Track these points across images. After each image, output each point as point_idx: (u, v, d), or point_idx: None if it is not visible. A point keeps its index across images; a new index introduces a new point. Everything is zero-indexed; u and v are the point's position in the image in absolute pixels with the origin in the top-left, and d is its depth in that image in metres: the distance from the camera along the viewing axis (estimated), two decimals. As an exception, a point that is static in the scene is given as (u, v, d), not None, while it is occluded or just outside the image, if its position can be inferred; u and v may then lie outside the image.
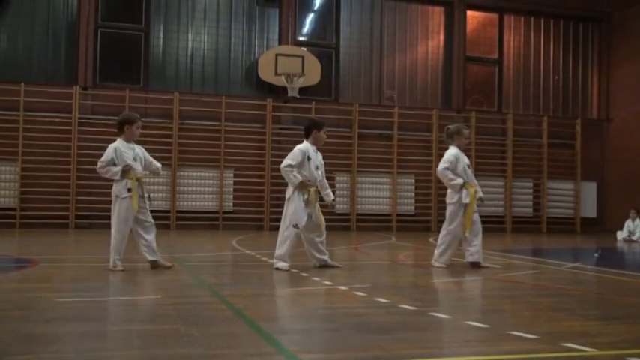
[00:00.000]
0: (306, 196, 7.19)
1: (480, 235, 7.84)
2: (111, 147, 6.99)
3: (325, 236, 7.56)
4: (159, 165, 7.40)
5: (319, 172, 7.39)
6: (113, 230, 6.89)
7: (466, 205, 7.68)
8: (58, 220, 15.12)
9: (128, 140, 7.03)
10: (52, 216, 15.08)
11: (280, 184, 15.33)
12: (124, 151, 6.97)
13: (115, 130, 7.18)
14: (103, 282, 6.09)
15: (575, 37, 20.35)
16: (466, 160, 7.89)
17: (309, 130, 7.47)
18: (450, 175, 7.67)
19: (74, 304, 4.79)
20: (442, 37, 19.00)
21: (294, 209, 7.13)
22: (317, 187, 7.36)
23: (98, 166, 6.96)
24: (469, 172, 7.83)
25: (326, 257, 7.43)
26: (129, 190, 6.91)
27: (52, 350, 3.33)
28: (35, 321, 4.02)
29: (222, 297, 5.20)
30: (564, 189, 19.50)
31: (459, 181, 7.67)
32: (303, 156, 7.25)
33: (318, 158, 7.42)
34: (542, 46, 19.95)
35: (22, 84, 15.23)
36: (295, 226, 7.08)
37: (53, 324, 3.99)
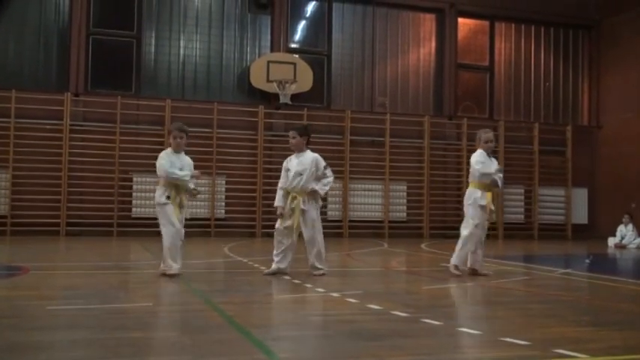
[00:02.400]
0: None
1: (483, 243, 7.84)
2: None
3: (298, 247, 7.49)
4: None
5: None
6: None
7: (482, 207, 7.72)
8: (49, 228, 15.03)
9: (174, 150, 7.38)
10: (43, 223, 15.00)
11: (272, 191, 15.30)
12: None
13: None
14: (94, 289, 6.06)
15: (565, 45, 20.48)
16: (495, 165, 7.94)
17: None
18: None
19: (65, 312, 4.76)
20: (434, 44, 19.06)
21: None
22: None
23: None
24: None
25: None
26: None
27: (42, 358, 3.30)
28: (25, 329, 3.99)
29: (213, 304, 5.18)
30: (555, 195, 19.56)
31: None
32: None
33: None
34: (533, 54, 20.05)
35: (13, 90, 15.16)
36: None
37: (43, 332, 3.96)
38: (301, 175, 7.26)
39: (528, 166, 19.24)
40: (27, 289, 5.94)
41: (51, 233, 14.97)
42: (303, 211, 7.15)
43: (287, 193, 7.26)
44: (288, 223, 7.15)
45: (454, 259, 7.60)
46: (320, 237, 7.26)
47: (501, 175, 7.84)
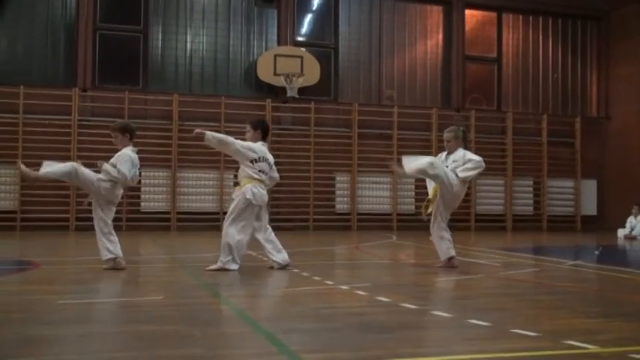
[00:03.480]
0: None
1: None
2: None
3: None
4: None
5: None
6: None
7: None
8: (58, 223, 15.11)
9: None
10: (53, 218, 15.08)
11: (280, 184, 15.32)
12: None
13: (127, 136, 7.19)
14: (104, 284, 6.09)
15: (573, 36, 20.35)
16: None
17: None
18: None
19: (75, 306, 4.79)
20: (441, 37, 18.99)
21: None
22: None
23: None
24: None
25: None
26: None
27: (53, 352, 3.32)
28: (36, 323, 4.02)
29: (223, 298, 5.20)
30: (564, 187, 19.49)
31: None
32: None
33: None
34: (541, 45, 19.94)
35: (22, 86, 15.22)
36: None
37: (54, 326, 3.98)
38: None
39: (537, 158, 19.17)
40: (38, 284, 5.98)
41: (60, 228, 15.05)
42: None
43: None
44: None
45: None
46: (231, 229, 7.11)
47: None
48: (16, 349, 3.35)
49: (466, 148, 7.76)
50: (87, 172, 6.98)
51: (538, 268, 8.16)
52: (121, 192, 7.15)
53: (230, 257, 6.97)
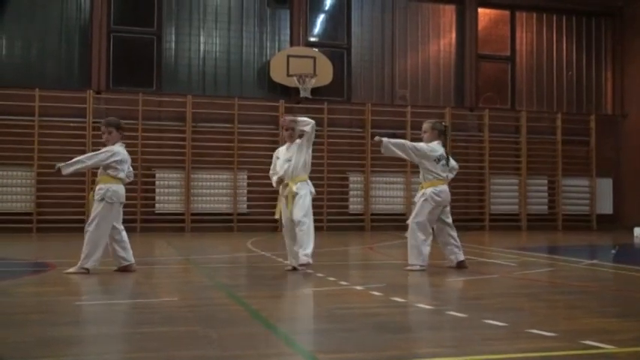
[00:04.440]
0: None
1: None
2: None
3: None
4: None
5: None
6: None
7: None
8: (74, 225, 15.20)
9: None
10: (68, 220, 15.19)
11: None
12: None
13: (122, 134, 7.19)
14: (120, 285, 6.13)
15: (587, 33, 20.19)
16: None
17: None
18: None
19: (92, 307, 4.83)
20: (454, 35, 18.92)
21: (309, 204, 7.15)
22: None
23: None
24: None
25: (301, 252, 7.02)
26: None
27: (71, 353, 3.35)
28: (54, 324, 4.05)
29: (238, 298, 5.22)
30: (579, 186, 19.35)
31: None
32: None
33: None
34: (555, 43, 19.81)
35: (37, 89, 15.35)
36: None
37: (72, 327, 4.02)
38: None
39: (551, 157, 19.05)
40: (54, 285, 6.03)
41: (76, 230, 15.14)
42: None
43: None
44: None
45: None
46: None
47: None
48: (35, 350, 3.39)
49: (445, 145, 7.74)
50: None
51: (553, 268, 8.12)
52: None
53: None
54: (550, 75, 19.70)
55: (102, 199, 6.80)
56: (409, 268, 7.23)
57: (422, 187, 7.48)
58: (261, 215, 16.66)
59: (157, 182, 15.84)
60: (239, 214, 16.44)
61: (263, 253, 9.99)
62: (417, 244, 7.20)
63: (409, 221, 7.43)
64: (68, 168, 6.78)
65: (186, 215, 16.07)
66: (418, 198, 7.50)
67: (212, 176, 16.39)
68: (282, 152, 7.26)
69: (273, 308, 4.88)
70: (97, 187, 6.90)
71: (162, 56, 16.64)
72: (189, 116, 16.15)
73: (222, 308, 4.78)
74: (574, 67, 19.93)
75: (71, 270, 6.66)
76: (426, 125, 7.75)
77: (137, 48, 16.57)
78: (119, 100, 15.83)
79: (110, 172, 6.93)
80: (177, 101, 16.25)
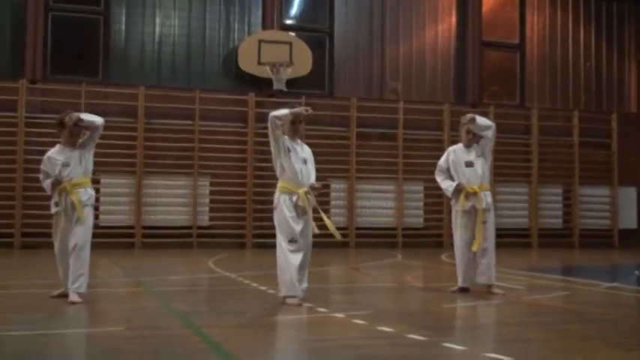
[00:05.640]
0: (295, 199, 6.83)
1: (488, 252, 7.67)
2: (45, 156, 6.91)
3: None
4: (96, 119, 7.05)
5: (308, 169, 6.87)
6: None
7: (462, 212, 7.64)
8: (0, 239, 15.02)
9: (66, 144, 6.89)
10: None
11: (265, 193, 15.30)
12: (53, 158, 6.82)
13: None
14: (53, 312, 6.05)
15: (608, 19, 20.43)
16: (466, 157, 7.84)
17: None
18: (439, 178, 7.95)
19: (17, 339, 4.75)
20: (454, 19, 19.03)
21: (279, 219, 6.84)
22: (306, 189, 6.77)
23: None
24: (467, 170, 7.74)
25: (305, 288, 6.79)
26: (56, 205, 6.79)
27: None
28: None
29: (196, 328, 5.18)
30: (599, 196, 19.51)
31: (448, 184, 7.79)
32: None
33: (304, 150, 6.94)
34: (571, 29, 20.00)
35: (-41, 78, 15.18)
36: (292, 241, 6.74)
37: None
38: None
39: (567, 162, 19.20)
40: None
41: (3, 245, 14.95)
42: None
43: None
44: None
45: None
46: None
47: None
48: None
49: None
50: None
51: (568, 292, 8.16)
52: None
53: None
54: (565, 67, 19.88)
55: (88, 205, 6.81)
56: (499, 291, 7.37)
57: (485, 190, 7.64)
58: (225, 229, 16.59)
59: (101, 189, 15.69)
60: (199, 228, 16.35)
61: (227, 274, 9.93)
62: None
63: (490, 244, 7.51)
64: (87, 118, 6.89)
65: (136, 229, 15.94)
66: (488, 203, 7.60)
67: (168, 182, 16.28)
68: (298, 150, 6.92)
69: (238, 340, 4.85)
70: (80, 190, 6.77)
71: (110, 40, 16.52)
72: (142, 111, 16.04)
73: (177, 340, 4.74)
74: (593, 58, 20.14)
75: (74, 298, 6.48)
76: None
77: (80, 30, 16.44)
78: (58, 92, 15.68)
79: (89, 173, 6.91)
80: (127, 93, 16.14)
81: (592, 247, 18.27)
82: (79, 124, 6.85)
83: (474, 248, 7.42)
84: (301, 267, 6.66)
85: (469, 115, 7.60)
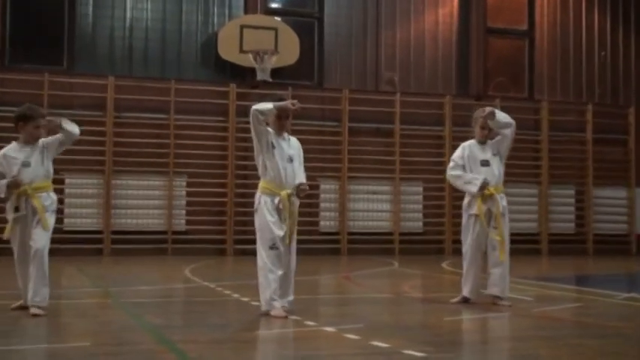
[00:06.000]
0: (277, 201, 6.79)
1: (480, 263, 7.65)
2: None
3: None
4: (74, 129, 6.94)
5: (294, 167, 6.79)
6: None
7: (476, 217, 7.60)
8: None
9: (26, 142, 6.80)
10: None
11: (247, 195, 15.26)
12: (11, 156, 6.71)
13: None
14: (11, 326, 6.02)
15: (626, 3, 20.48)
16: (482, 155, 7.79)
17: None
18: (455, 173, 7.77)
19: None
20: (456, 3, 19.05)
21: (260, 223, 6.85)
22: (291, 190, 6.74)
23: None
24: (483, 170, 7.72)
25: (291, 300, 6.73)
26: (16, 210, 6.64)
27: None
28: None
29: (171, 344, 5.16)
30: (615, 197, 19.56)
31: (471, 177, 7.64)
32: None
33: (291, 146, 6.84)
34: (585, 14, 20.05)
35: None
36: (273, 247, 6.69)
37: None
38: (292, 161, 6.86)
39: (579, 161, 19.27)
40: None
41: None
42: None
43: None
44: None
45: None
46: None
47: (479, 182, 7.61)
48: None
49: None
50: None
51: (581, 303, 8.18)
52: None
53: None
54: (578, 55, 19.92)
55: (50, 211, 6.68)
56: (506, 303, 7.37)
57: (500, 192, 7.70)
58: (203, 234, 16.56)
59: (66, 190, 15.64)
60: (175, 233, 16.31)
61: (206, 283, 9.91)
62: None
63: (504, 258, 7.48)
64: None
65: (105, 233, 15.89)
66: (504, 207, 7.70)
67: (140, 182, 16.24)
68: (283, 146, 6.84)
69: (217, 357, 4.83)
70: (42, 194, 6.68)
71: (76, 25, 16.47)
72: (111, 104, 15.99)
73: (148, 357, 4.73)
74: (608, 46, 20.19)
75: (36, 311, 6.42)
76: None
77: (42, 14, 16.38)
78: (17, 82, 15.61)
79: (50, 177, 6.80)
80: (94, 84, 16.09)
81: (607, 254, 18.33)
82: (57, 131, 6.76)
83: (502, 258, 7.37)
84: (284, 277, 6.60)
85: (488, 109, 7.53)
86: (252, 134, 6.64)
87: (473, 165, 7.71)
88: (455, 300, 7.55)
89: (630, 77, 20.40)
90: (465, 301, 7.48)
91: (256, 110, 6.49)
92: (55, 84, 15.78)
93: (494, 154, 7.75)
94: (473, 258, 7.55)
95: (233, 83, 16.84)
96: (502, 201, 7.66)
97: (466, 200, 7.74)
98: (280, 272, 6.51)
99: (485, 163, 7.68)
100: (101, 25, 16.69)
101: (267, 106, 6.52)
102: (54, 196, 6.80)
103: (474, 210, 7.57)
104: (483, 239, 7.55)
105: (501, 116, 7.55)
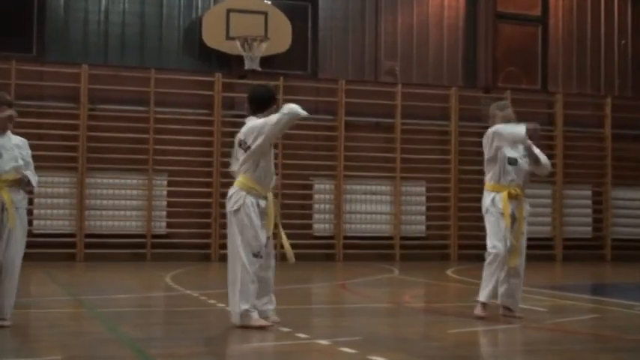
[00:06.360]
0: (263, 204, 6.85)
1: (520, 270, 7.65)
2: None
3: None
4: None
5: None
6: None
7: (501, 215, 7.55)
8: None
9: None
10: None
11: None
12: None
13: None
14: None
15: (648, -14, 20.56)
16: (511, 152, 7.84)
17: (266, 102, 7.15)
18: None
19: None
20: (463, -14, 19.12)
21: (243, 226, 6.82)
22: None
23: None
24: (510, 168, 7.74)
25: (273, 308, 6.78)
26: None
27: None
28: None
29: (149, 358, 5.16)
30: (635, 199, 19.60)
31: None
32: None
33: None
34: (604, -1, 20.13)
35: None
36: (257, 256, 6.73)
37: None
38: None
39: (597, 159, 19.30)
40: None
41: None
42: None
43: None
44: None
45: (480, 295, 7.47)
46: None
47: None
48: None
49: None
50: None
51: (598, 315, 8.20)
52: None
53: None
54: (596, 44, 19.95)
55: (21, 208, 6.77)
56: (517, 314, 7.36)
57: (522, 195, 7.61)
58: (185, 238, 16.56)
59: (36, 189, 15.61)
60: (155, 237, 16.31)
61: (188, 291, 9.90)
62: None
63: (522, 261, 7.48)
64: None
65: (78, 237, 15.88)
66: (527, 211, 7.66)
67: (116, 181, 16.22)
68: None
69: (200, 372, 4.85)
70: (12, 188, 6.66)
71: (47, 9, 16.45)
72: (85, 95, 15.97)
73: (125, 372, 4.73)
74: (629, 34, 20.24)
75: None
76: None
77: (10, -4, 16.38)
78: (-18, 71, 15.61)
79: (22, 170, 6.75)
80: (66, 73, 16.06)
81: (627, 260, 18.35)
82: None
83: (512, 264, 7.33)
84: (266, 286, 6.63)
85: (532, 125, 7.74)
86: (272, 135, 6.66)
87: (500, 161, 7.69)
88: (479, 312, 7.25)
89: (652, 68, 20.44)
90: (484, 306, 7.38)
91: (298, 114, 6.63)
92: (23, 73, 15.75)
93: (523, 155, 7.77)
94: (498, 260, 7.41)
95: (219, 73, 16.83)
96: (526, 205, 7.65)
97: (488, 199, 7.69)
98: (258, 282, 6.53)
99: (513, 162, 7.66)
100: (74, 8, 16.67)
101: (303, 113, 6.62)
102: (24, 193, 6.80)
103: (496, 208, 7.50)
104: (508, 241, 7.48)
105: (544, 159, 7.81)
